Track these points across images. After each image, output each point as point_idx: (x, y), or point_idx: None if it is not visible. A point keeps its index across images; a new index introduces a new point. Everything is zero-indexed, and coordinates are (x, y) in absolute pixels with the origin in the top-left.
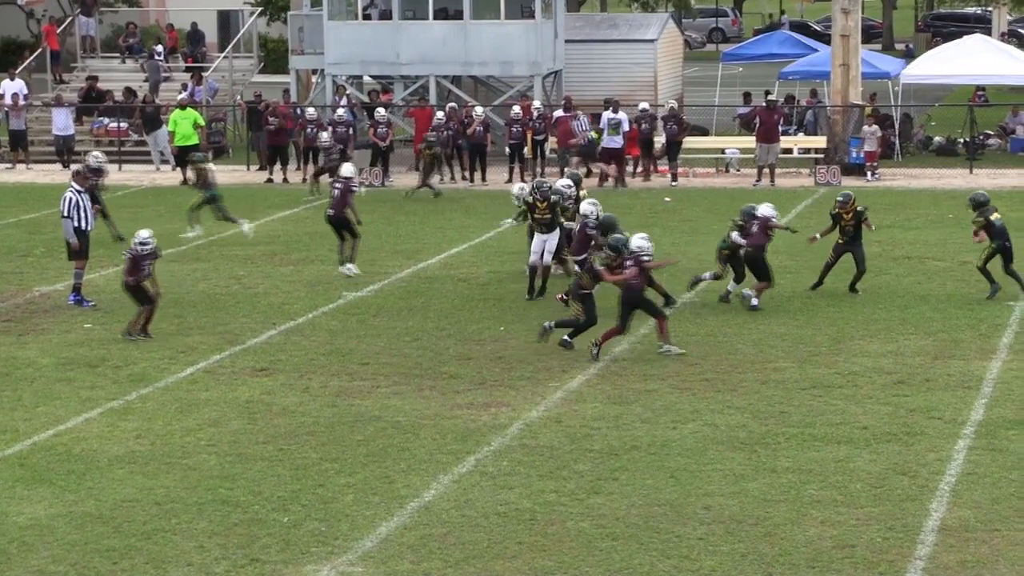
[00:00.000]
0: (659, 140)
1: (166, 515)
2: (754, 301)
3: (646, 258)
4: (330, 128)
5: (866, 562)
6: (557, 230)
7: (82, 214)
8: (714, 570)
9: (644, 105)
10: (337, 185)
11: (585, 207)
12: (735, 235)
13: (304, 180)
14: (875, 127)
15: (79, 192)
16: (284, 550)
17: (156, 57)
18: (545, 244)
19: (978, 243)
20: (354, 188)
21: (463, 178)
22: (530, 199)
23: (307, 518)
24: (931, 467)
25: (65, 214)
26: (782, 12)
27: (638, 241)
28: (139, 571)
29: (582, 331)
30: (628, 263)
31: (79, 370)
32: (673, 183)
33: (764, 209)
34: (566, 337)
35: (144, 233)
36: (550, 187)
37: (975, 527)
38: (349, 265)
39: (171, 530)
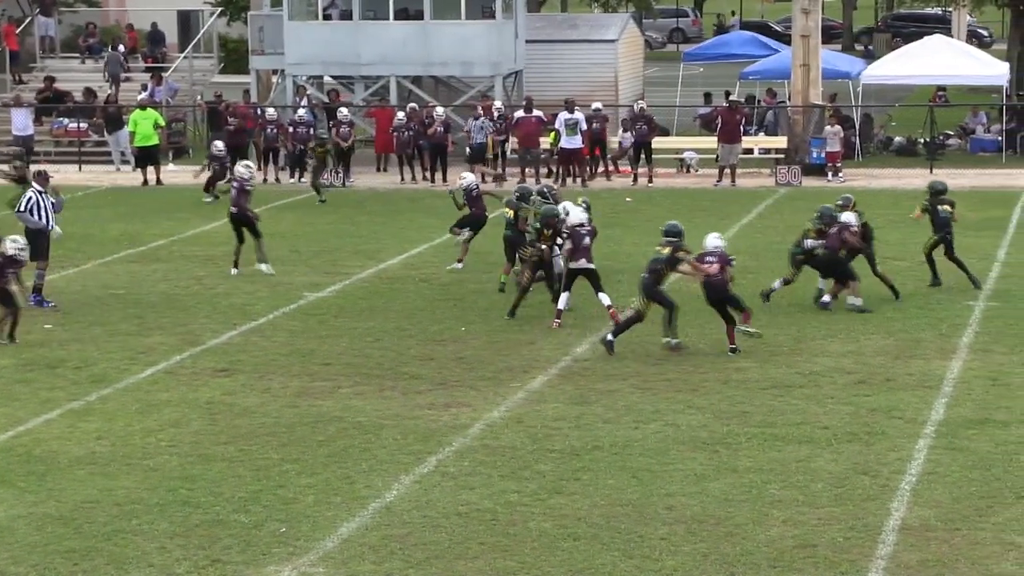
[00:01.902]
0: (613, 140)
1: (127, 516)
2: (857, 301)
3: (733, 259)
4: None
5: (827, 562)
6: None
7: (42, 214)
8: (676, 570)
9: (597, 105)
10: (234, 184)
11: (582, 215)
12: (809, 241)
13: (264, 180)
14: (838, 127)
15: (40, 192)
16: (245, 551)
17: (116, 50)
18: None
19: (913, 219)
20: (248, 187)
21: (424, 178)
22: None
23: (268, 519)
24: (892, 467)
25: (21, 209)
26: (733, 13)
27: (714, 241)
28: (100, 572)
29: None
30: (710, 259)
31: (39, 371)
32: (649, 184)
33: (847, 216)
34: (610, 336)
35: (18, 239)
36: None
37: (936, 526)
38: (263, 265)
39: (132, 531)
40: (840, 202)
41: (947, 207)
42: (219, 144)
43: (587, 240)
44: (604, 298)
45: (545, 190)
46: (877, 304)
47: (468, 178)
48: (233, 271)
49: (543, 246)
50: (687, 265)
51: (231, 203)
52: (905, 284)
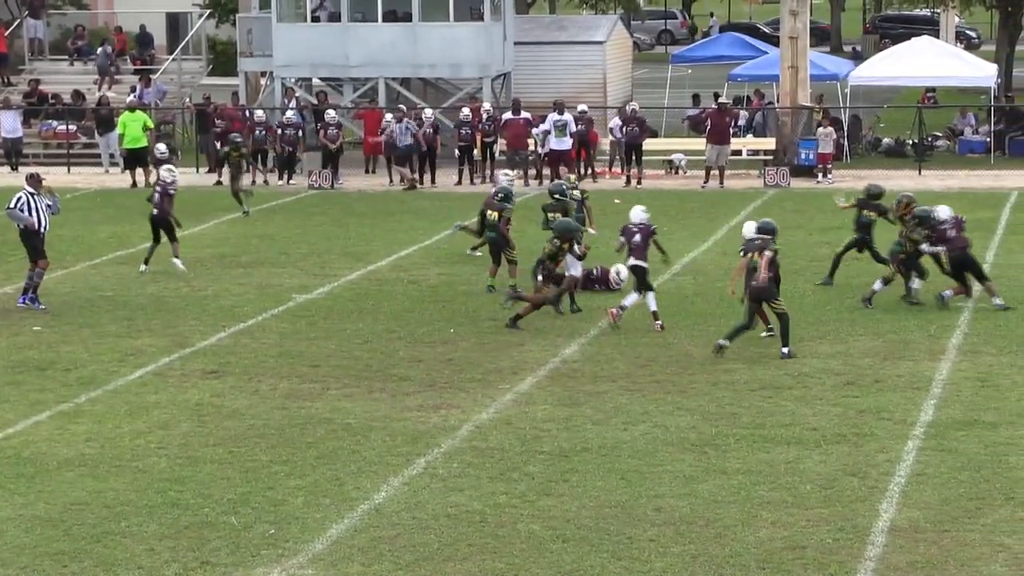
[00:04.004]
0: (604, 142)
1: (116, 518)
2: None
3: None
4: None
5: (816, 563)
6: None
7: (35, 215)
8: (665, 571)
9: (582, 107)
10: (157, 188)
11: (642, 215)
12: (926, 247)
13: (253, 182)
14: (830, 129)
15: (32, 194)
16: (234, 552)
17: (105, 46)
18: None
19: (841, 206)
20: (171, 191)
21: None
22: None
23: (257, 520)
24: (881, 468)
25: (11, 206)
26: (711, 15)
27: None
28: (89, 574)
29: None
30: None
31: (28, 373)
32: (638, 186)
33: (945, 211)
34: (722, 341)
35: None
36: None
37: (925, 528)
38: (177, 260)
39: (121, 533)
40: (897, 200)
41: (872, 213)
42: (161, 147)
43: (637, 238)
44: (631, 298)
45: (564, 186)
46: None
47: (502, 179)
48: (143, 267)
49: (551, 264)
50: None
51: (153, 205)
52: (894, 286)
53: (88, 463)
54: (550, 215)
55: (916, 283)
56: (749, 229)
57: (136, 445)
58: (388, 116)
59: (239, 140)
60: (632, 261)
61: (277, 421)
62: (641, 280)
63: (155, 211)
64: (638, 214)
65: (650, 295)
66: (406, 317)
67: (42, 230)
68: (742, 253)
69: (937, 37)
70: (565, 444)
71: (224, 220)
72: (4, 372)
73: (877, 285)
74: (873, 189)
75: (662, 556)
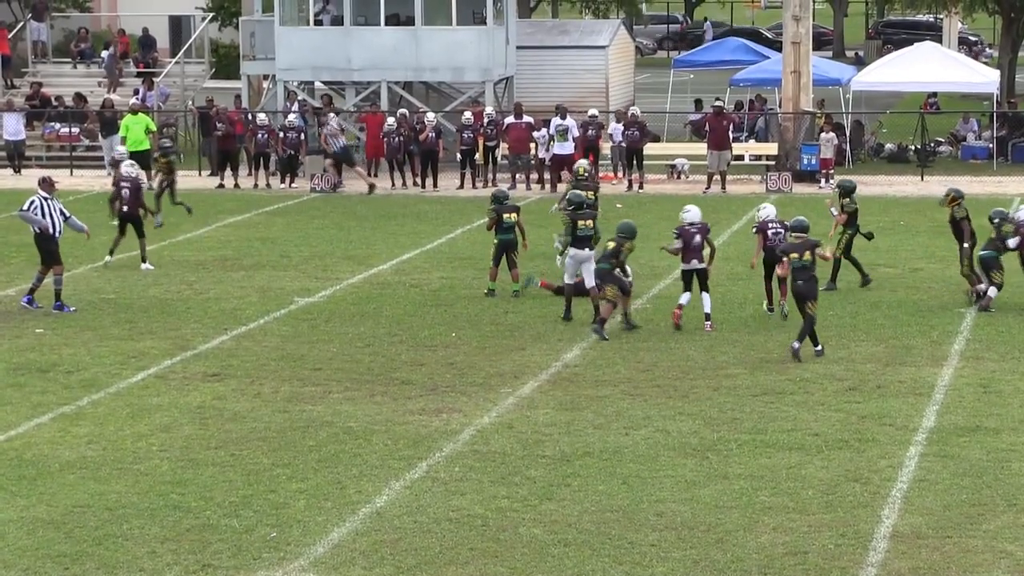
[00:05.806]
0: (606, 146)
1: (117, 520)
2: None
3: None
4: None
5: (818, 569)
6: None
7: (48, 220)
8: None
9: (593, 111)
10: (124, 184)
11: (699, 213)
12: (1012, 242)
13: (255, 186)
14: (832, 134)
15: (45, 199)
16: (236, 556)
17: (110, 49)
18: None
19: (838, 223)
20: (142, 184)
21: (415, 184)
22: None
23: (259, 524)
24: (883, 474)
25: (24, 209)
26: (705, 19)
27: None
28: None
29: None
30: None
31: (30, 375)
32: (639, 190)
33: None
34: (819, 348)
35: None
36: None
37: (927, 534)
38: (145, 265)
39: (123, 536)
40: (952, 193)
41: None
42: (120, 149)
43: (697, 238)
44: (706, 300)
45: (583, 197)
46: (867, 310)
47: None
48: (108, 258)
49: (624, 277)
50: (827, 251)
51: (123, 202)
52: (896, 291)
53: (90, 465)
54: (580, 223)
55: (986, 286)
56: (769, 211)
57: (138, 447)
58: (390, 119)
59: (169, 146)
60: (693, 264)
61: (279, 424)
62: (701, 282)
63: (125, 208)
64: (695, 214)
65: (705, 296)
66: (408, 321)
67: (56, 235)
68: (755, 231)
69: (940, 43)
70: (567, 448)
71: (226, 223)
72: (6, 374)
73: (992, 291)
74: (848, 184)
75: (663, 561)
